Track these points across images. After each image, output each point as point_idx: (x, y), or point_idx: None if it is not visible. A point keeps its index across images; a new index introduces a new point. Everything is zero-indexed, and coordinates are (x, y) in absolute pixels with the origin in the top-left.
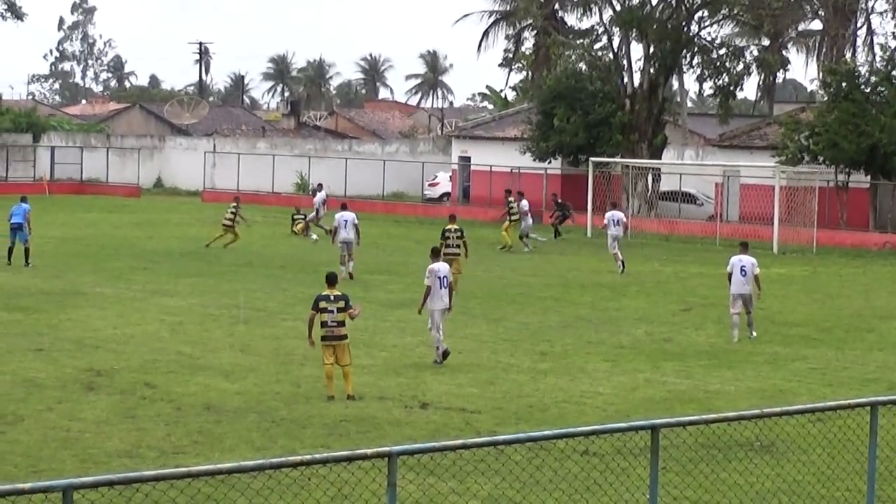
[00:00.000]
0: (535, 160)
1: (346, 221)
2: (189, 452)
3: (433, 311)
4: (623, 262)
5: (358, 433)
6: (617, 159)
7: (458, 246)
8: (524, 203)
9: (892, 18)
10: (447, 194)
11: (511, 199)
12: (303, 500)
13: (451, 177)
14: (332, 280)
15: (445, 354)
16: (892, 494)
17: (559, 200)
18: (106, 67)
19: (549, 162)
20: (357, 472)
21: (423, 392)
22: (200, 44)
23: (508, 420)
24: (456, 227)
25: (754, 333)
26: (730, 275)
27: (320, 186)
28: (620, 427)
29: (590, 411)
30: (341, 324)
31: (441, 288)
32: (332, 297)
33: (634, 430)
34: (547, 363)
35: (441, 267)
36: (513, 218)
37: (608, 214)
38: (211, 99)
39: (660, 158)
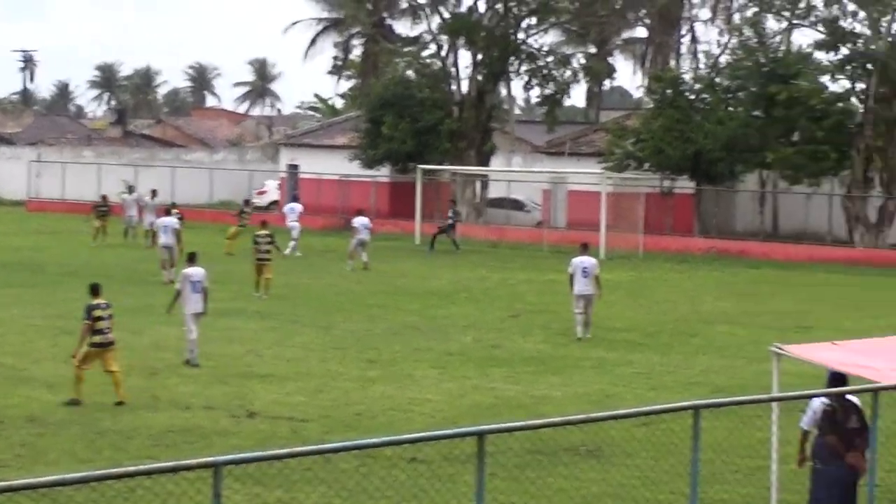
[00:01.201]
0: (363, 168)
1: (165, 227)
2: (11, 466)
3: (187, 315)
4: (364, 260)
5: (184, 443)
6: (445, 166)
7: (268, 251)
8: (356, 220)
9: (716, 26)
10: (275, 202)
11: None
12: None
13: (279, 185)
14: (96, 290)
15: (188, 362)
16: (714, 496)
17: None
18: None
19: (378, 170)
20: (182, 484)
21: (250, 401)
22: (24, 51)
23: (336, 428)
24: (266, 232)
25: (589, 335)
26: (571, 276)
27: (131, 189)
28: (447, 434)
29: (418, 418)
30: (111, 330)
31: (193, 293)
32: (103, 305)
33: (461, 436)
34: (375, 371)
35: (195, 272)
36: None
37: (357, 220)
38: (35, 107)
39: (488, 165)
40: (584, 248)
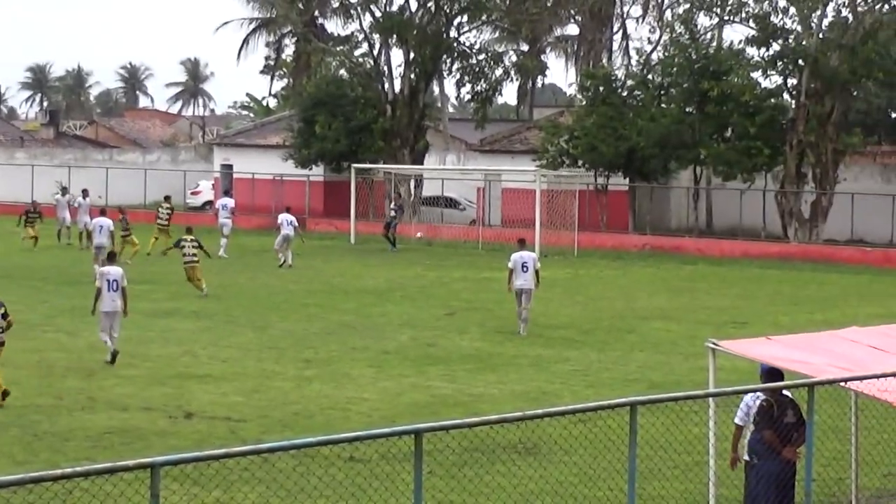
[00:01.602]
0: (297, 167)
1: (101, 227)
2: None
3: (102, 314)
4: (288, 261)
5: (122, 444)
6: (379, 165)
7: (194, 255)
8: (281, 216)
9: (647, 23)
10: (210, 202)
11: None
12: None
13: (213, 185)
14: None
15: (114, 356)
16: (652, 493)
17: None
18: None
19: (312, 169)
20: (120, 484)
21: (187, 402)
22: None
23: (274, 428)
24: (192, 237)
25: (525, 332)
26: (511, 271)
27: (64, 191)
28: (384, 433)
29: (355, 417)
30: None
31: (109, 291)
32: None
33: (398, 434)
34: (312, 370)
35: (111, 270)
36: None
37: (282, 216)
38: None
39: (422, 164)
40: (522, 244)
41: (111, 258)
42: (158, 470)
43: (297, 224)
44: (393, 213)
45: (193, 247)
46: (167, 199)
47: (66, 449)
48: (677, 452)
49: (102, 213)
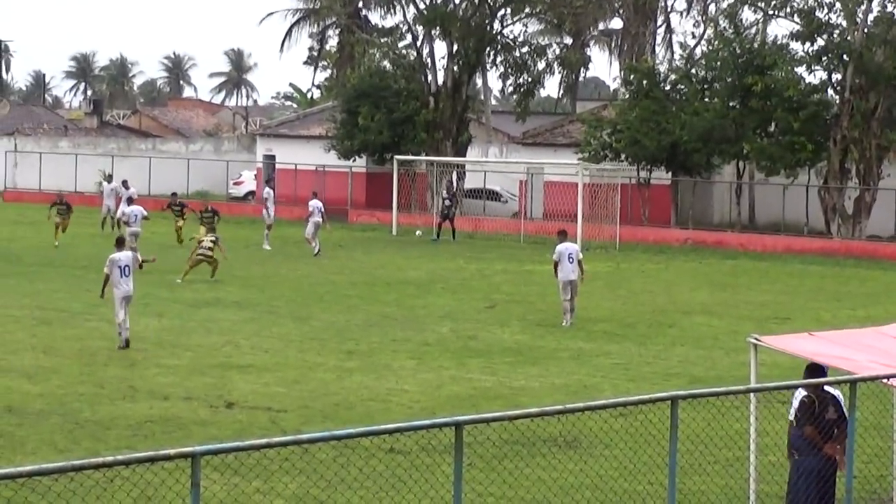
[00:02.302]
0: (340, 158)
1: (135, 216)
2: None
3: (116, 299)
4: (318, 248)
5: (163, 434)
6: (421, 157)
7: (210, 250)
8: (311, 202)
9: (691, 17)
10: (252, 193)
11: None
12: (105, 502)
13: (255, 175)
14: None
15: (127, 343)
16: (692, 487)
17: (450, 189)
18: None
19: (354, 160)
20: (161, 473)
21: (228, 391)
22: (0, 42)
23: (314, 419)
24: (214, 236)
25: (573, 321)
26: (557, 263)
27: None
28: (425, 424)
29: (395, 409)
30: None
31: (122, 276)
32: None
33: (439, 426)
34: (353, 361)
35: (122, 256)
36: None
37: (312, 203)
38: (11, 98)
39: (464, 156)
40: (564, 235)
41: (120, 244)
42: (199, 459)
43: (323, 209)
44: (448, 203)
45: (212, 241)
46: (174, 195)
47: (108, 437)
48: (718, 447)
49: (130, 200)
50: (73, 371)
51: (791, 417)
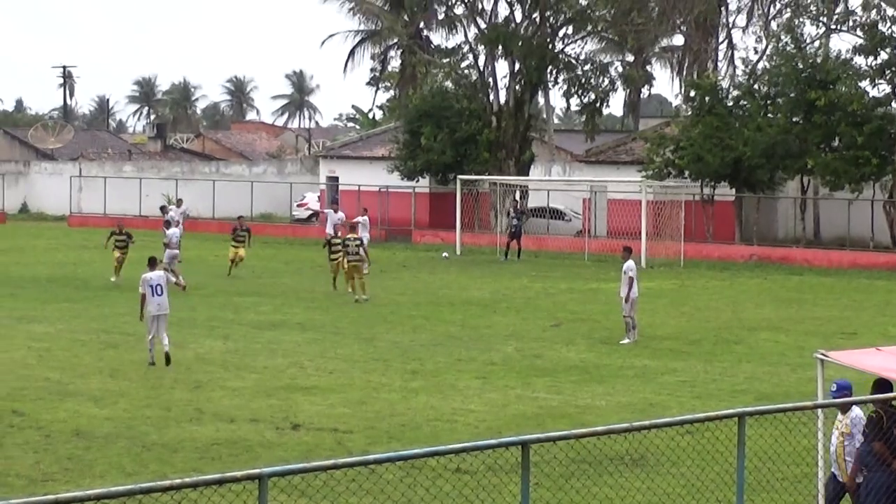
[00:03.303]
0: (403, 179)
1: (176, 238)
2: (59, 480)
3: (149, 317)
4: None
5: (230, 456)
6: (484, 177)
7: (357, 254)
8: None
9: (752, 33)
10: (316, 214)
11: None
12: None
13: (319, 197)
14: None
15: (168, 358)
16: None
17: (517, 207)
18: None
19: (417, 180)
20: (228, 495)
21: (294, 413)
22: (64, 67)
23: (380, 439)
24: (356, 235)
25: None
26: (632, 279)
27: (180, 202)
28: (491, 444)
29: (461, 428)
30: None
31: (154, 295)
32: None
33: (505, 446)
34: (418, 381)
35: (154, 275)
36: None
37: (357, 218)
38: (76, 123)
39: (527, 175)
40: (629, 252)
41: (152, 264)
42: (266, 481)
43: (369, 226)
44: (516, 221)
45: (357, 245)
46: (240, 219)
47: (175, 460)
48: (786, 464)
49: (167, 225)
50: (139, 394)
51: (837, 431)
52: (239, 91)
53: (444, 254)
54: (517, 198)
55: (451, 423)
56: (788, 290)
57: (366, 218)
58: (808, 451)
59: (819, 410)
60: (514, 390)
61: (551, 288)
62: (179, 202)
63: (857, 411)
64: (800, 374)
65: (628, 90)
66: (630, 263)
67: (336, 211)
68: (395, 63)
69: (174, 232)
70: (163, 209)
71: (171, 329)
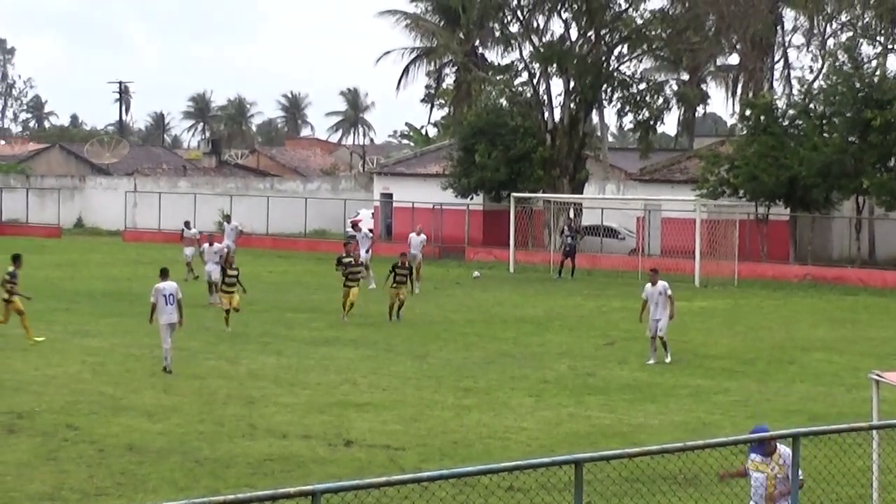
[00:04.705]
0: (456, 196)
1: (215, 253)
2: (112, 494)
3: (161, 326)
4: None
5: (282, 472)
6: (539, 194)
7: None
8: (412, 236)
9: (809, 52)
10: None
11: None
12: None
13: (373, 214)
14: None
15: (165, 369)
16: None
17: (571, 225)
18: (25, 107)
19: (471, 198)
20: None
21: (347, 429)
22: (120, 83)
23: (433, 456)
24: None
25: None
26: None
27: (228, 218)
28: (544, 462)
29: (514, 446)
30: None
31: (167, 305)
32: None
33: (558, 464)
34: (471, 399)
35: (166, 286)
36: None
37: (411, 236)
38: (131, 138)
39: (581, 193)
40: (657, 273)
41: (164, 275)
42: (319, 497)
43: (424, 243)
44: (570, 240)
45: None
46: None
47: (227, 476)
48: (840, 485)
49: (210, 242)
50: (192, 409)
51: (762, 475)
52: (293, 107)
53: (476, 273)
54: (571, 216)
55: (504, 440)
56: (843, 311)
57: (367, 231)
58: (863, 473)
59: (874, 431)
60: (567, 408)
61: (605, 306)
62: (228, 218)
63: (783, 448)
64: (854, 395)
65: (683, 109)
66: (665, 283)
67: (230, 222)
68: (449, 80)
69: (216, 248)
70: (187, 224)
71: (223, 345)
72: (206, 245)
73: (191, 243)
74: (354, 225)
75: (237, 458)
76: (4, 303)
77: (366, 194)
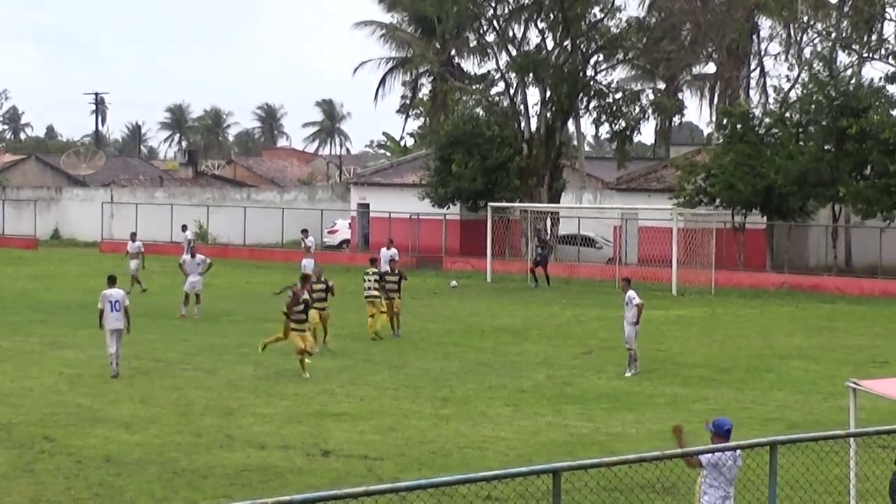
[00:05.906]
0: (433, 206)
1: (198, 265)
2: None
3: (107, 332)
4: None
5: (260, 482)
6: (515, 204)
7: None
8: (383, 251)
9: (785, 61)
10: (346, 241)
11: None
12: None
13: (350, 224)
14: None
15: (114, 377)
16: None
17: (541, 237)
18: (1, 119)
19: (448, 208)
20: None
21: (324, 440)
22: (96, 94)
23: (411, 466)
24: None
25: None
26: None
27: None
28: (522, 471)
29: (492, 456)
30: None
31: (112, 311)
32: None
33: (536, 473)
34: (449, 409)
35: (113, 292)
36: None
37: (382, 251)
38: (108, 149)
39: (558, 202)
40: (629, 282)
41: (111, 282)
42: None
43: (395, 259)
44: (540, 250)
45: (322, 290)
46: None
47: (205, 486)
48: (817, 493)
49: (192, 254)
50: (170, 420)
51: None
52: (270, 118)
53: (453, 282)
54: (540, 227)
55: (482, 450)
56: (820, 319)
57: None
58: (841, 480)
59: (851, 439)
60: (545, 418)
61: (582, 315)
62: (184, 227)
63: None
64: (831, 403)
65: (659, 118)
66: (632, 293)
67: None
68: (426, 90)
69: (199, 259)
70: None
71: (202, 355)
72: (186, 256)
73: (135, 256)
74: (305, 232)
75: (215, 468)
76: None
77: (343, 204)
